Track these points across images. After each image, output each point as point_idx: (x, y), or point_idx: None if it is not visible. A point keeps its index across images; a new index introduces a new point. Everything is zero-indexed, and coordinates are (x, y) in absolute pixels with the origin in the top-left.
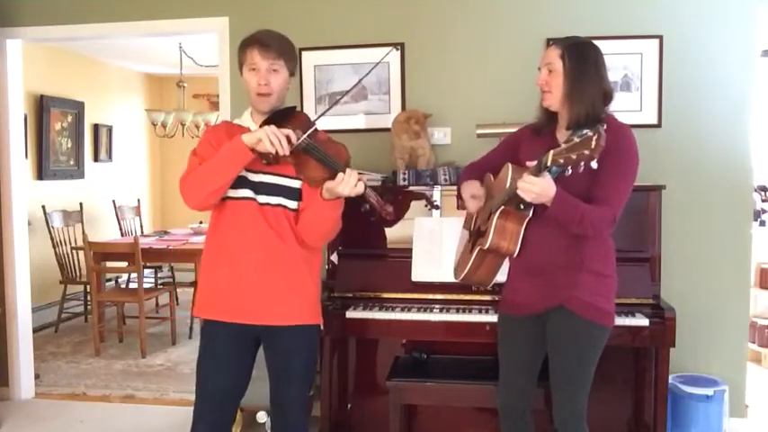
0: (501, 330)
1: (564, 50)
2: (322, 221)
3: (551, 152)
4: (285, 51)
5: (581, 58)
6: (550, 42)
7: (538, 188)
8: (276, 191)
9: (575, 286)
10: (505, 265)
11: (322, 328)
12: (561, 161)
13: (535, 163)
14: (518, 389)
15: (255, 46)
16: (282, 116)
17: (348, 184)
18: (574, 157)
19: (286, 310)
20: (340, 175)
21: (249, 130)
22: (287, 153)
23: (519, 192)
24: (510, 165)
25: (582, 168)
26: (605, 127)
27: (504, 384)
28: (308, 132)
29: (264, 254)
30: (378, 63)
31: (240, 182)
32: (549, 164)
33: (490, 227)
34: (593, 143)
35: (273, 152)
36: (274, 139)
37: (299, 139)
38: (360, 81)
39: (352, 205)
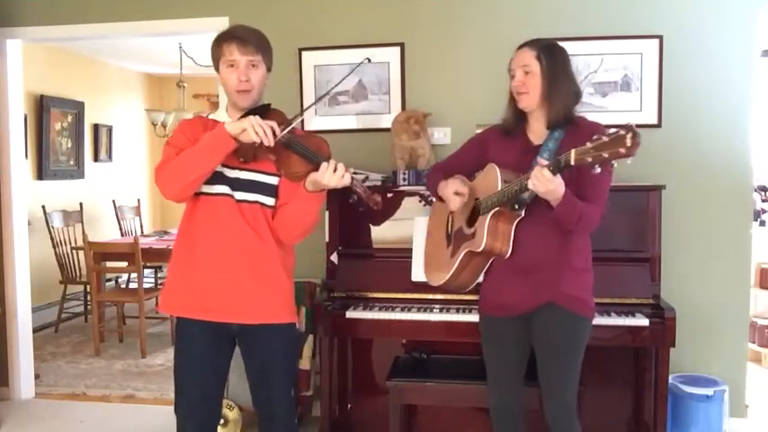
0: (486, 333)
1: (539, 52)
2: (304, 215)
3: (573, 151)
4: (263, 46)
5: (555, 59)
6: (520, 45)
7: (553, 186)
8: (253, 187)
9: (563, 282)
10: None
11: (298, 326)
12: (589, 159)
13: (547, 161)
14: (510, 389)
15: (234, 41)
16: (259, 113)
17: (336, 175)
18: (606, 155)
19: (264, 309)
20: (324, 165)
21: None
22: (272, 144)
23: (532, 188)
24: (496, 166)
25: (614, 166)
26: (635, 123)
27: (497, 386)
28: (292, 125)
29: (242, 251)
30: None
31: (216, 178)
32: (572, 163)
33: (482, 228)
34: (629, 141)
35: (258, 142)
36: (259, 130)
37: (282, 131)
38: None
39: (352, 206)
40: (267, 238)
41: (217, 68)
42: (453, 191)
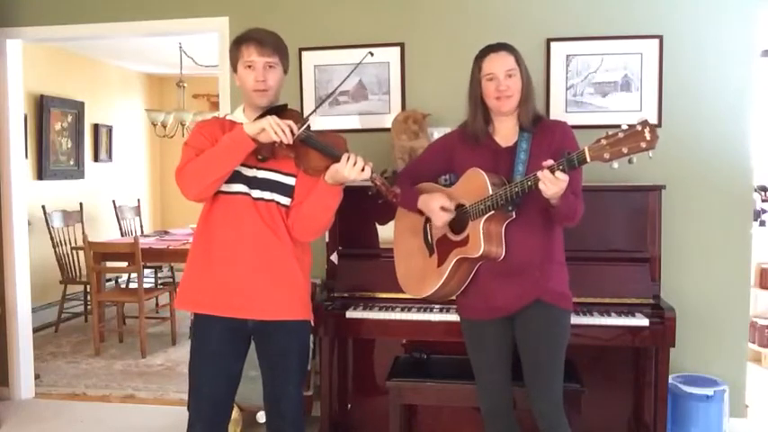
0: (471, 336)
1: (515, 55)
2: (322, 211)
3: (587, 149)
4: (280, 48)
5: (523, 60)
6: (492, 49)
7: (564, 184)
8: (270, 186)
9: (550, 279)
10: None
11: (312, 324)
12: (607, 156)
13: (551, 162)
14: (502, 389)
15: (252, 43)
16: (275, 113)
17: (356, 168)
18: (625, 150)
19: (279, 306)
20: (344, 158)
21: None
22: (290, 142)
23: (543, 188)
24: (482, 171)
25: (634, 161)
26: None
27: (489, 388)
28: (306, 124)
29: (258, 249)
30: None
31: (234, 177)
32: (588, 160)
33: (476, 234)
34: (648, 134)
35: (278, 141)
36: (278, 129)
37: (300, 128)
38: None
39: (352, 206)
40: (283, 236)
41: (235, 69)
42: (440, 206)
